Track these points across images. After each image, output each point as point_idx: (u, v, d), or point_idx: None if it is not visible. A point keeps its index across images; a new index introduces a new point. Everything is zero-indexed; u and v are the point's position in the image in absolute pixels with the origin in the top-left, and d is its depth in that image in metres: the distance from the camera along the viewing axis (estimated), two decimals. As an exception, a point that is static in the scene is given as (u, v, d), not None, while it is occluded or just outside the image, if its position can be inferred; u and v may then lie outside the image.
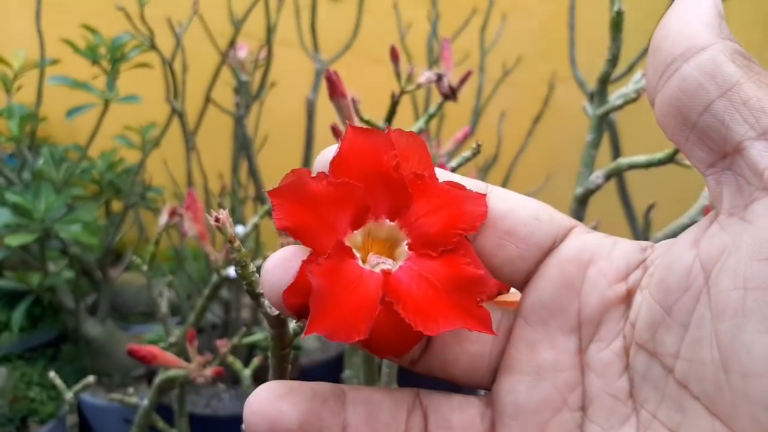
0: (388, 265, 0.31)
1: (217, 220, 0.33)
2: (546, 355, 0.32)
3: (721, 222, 0.28)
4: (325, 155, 0.33)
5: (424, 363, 0.34)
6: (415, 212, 0.31)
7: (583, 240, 0.33)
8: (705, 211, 0.59)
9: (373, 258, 0.31)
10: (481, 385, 0.34)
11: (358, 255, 0.31)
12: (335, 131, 0.54)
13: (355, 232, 0.31)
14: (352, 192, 0.30)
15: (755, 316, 0.25)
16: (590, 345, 0.32)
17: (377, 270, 0.30)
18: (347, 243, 0.30)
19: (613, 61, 0.57)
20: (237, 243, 0.33)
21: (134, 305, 1.75)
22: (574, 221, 0.34)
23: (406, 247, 0.31)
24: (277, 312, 0.34)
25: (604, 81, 0.58)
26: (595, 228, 0.72)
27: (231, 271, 0.67)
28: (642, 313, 0.30)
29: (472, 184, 0.33)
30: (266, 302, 0.34)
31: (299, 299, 0.29)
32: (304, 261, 0.30)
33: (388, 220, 0.31)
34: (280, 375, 0.36)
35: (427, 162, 0.32)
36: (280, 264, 0.31)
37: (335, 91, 0.54)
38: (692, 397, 0.28)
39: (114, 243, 1.48)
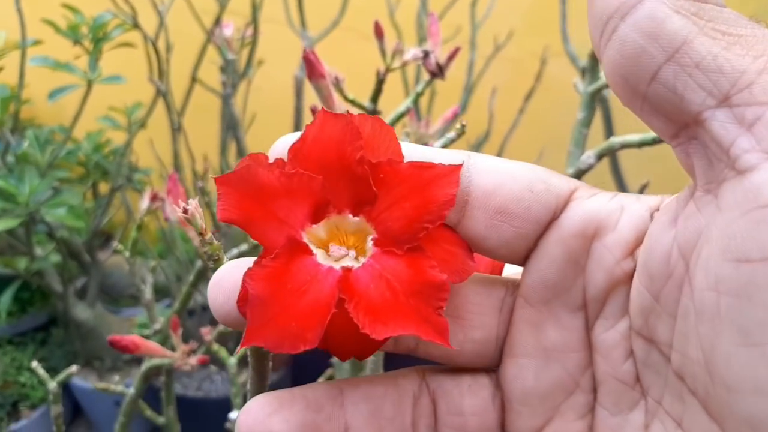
0: (350, 261, 0.28)
1: (185, 211, 0.31)
2: (552, 336, 0.30)
3: (697, 200, 0.25)
4: (281, 143, 0.30)
5: (423, 351, 0.31)
6: (379, 205, 0.28)
7: (586, 208, 0.29)
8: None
9: (335, 250, 0.28)
10: (488, 367, 0.32)
11: (316, 251, 0.28)
12: (315, 113, 0.52)
13: (315, 225, 0.28)
14: (307, 184, 0.28)
15: (729, 327, 0.22)
16: (596, 323, 0.29)
17: (338, 267, 0.28)
18: (305, 237, 0.28)
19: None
20: (209, 235, 0.31)
21: (124, 288, 1.74)
22: (574, 183, 0.30)
23: (371, 242, 0.28)
24: None
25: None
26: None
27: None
28: (633, 297, 0.28)
29: (449, 156, 0.30)
30: None
31: None
32: (250, 267, 0.27)
33: (351, 215, 0.29)
34: (260, 373, 0.34)
35: (395, 149, 0.29)
36: (225, 278, 0.29)
37: (314, 72, 0.52)
38: (689, 391, 0.25)
39: (102, 225, 1.46)
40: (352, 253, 0.29)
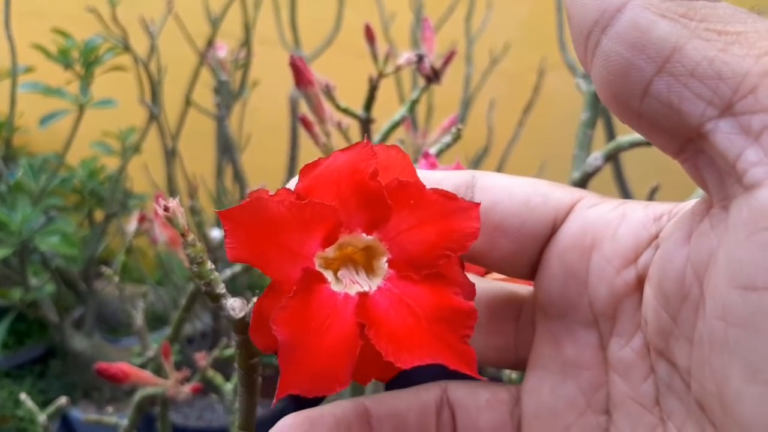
0: (365, 287, 0.27)
1: (166, 209, 0.28)
2: (569, 351, 0.29)
3: (712, 217, 0.23)
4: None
5: None
6: (397, 225, 0.27)
7: (584, 219, 0.28)
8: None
9: (346, 276, 0.27)
10: (512, 368, 0.32)
11: (329, 278, 0.27)
12: (305, 122, 0.50)
13: (327, 249, 0.27)
14: (321, 212, 0.26)
15: (738, 361, 0.20)
16: (610, 340, 0.27)
17: (353, 292, 0.26)
18: (317, 264, 0.27)
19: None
20: (191, 236, 0.29)
21: (122, 317, 1.71)
22: (578, 194, 0.29)
23: (386, 264, 0.27)
24: (241, 315, 0.30)
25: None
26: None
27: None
28: (650, 316, 0.25)
29: (456, 175, 0.30)
30: (228, 304, 0.30)
31: (265, 338, 0.27)
32: (260, 297, 0.27)
33: (364, 234, 0.28)
34: (249, 388, 0.32)
35: (410, 174, 0.29)
36: None
37: (301, 79, 0.50)
38: (709, 422, 0.23)
39: (98, 253, 1.44)
40: (363, 276, 0.28)
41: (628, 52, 0.21)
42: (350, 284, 0.27)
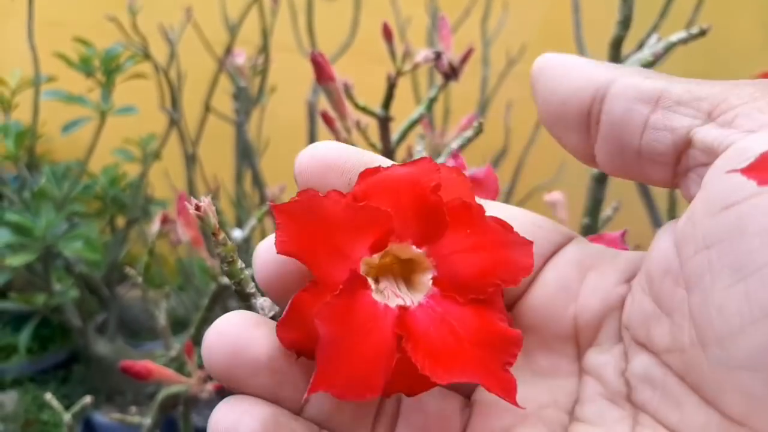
0: (406, 301, 0.27)
1: (198, 208, 0.29)
2: (542, 362, 0.30)
3: None
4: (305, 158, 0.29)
5: None
6: (449, 245, 0.27)
7: (584, 247, 0.31)
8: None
9: (387, 288, 0.27)
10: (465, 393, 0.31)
11: (372, 284, 0.27)
12: (326, 118, 0.50)
13: (374, 255, 0.27)
14: (375, 217, 0.26)
15: (723, 270, 0.23)
16: (588, 350, 0.29)
17: (393, 305, 0.26)
18: (362, 270, 0.26)
19: (625, 23, 0.51)
20: (222, 235, 0.30)
21: (144, 322, 1.72)
22: (574, 234, 0.32)
23: (431, 281, 0.27)
24: (270, 314, 0.31)
25: (617, 46, 0.53)
26: (616, 209, 0.68)
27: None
28: (633, 313, 0.28)
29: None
30: (258, 303, 0.31)
31: (295, 333, 0.26)
32: (301, 290, 0.26)
33: (414, 247, 0.27)
34: None
35: (469, 197, 0.28)
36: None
37: (323, 75, 0.50)
38: (690, 390, 0.25)
39: (120, 259, 1.45)
40: (404, 289, 0.28)
41: (628, 103, 0.27)
42: (392, 296, 0.27)
